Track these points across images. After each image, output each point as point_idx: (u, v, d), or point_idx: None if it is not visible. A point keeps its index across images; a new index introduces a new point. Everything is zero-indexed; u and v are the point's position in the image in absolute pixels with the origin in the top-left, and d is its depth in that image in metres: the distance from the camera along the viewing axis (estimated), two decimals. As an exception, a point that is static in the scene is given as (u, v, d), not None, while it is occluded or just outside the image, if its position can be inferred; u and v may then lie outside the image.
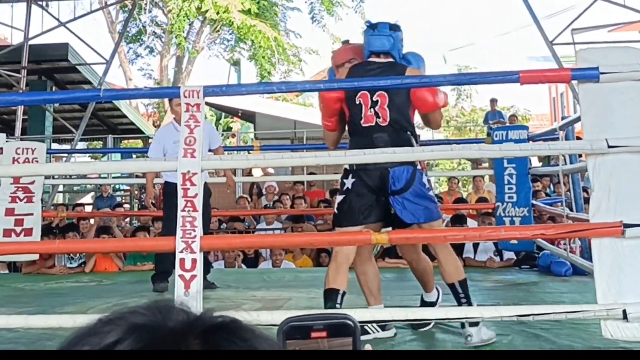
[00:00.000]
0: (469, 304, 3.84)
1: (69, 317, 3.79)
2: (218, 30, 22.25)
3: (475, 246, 7.07)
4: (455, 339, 3.84)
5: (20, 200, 7.03)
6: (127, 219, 10.07)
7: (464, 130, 20.22)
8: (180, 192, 3.61)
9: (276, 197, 9.10)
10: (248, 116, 16.91)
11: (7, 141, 7.84)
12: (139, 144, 21.37)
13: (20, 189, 7.04)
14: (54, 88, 15.41)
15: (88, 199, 14.64)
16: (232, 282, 5.83)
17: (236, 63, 23.63)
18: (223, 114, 21.11)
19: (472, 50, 23.48)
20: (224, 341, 0.64)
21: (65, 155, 12.39)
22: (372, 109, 3.85)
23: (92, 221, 8.45)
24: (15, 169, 5.41)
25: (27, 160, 7.16)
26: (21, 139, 11.67)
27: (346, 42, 4.34)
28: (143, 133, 19.05)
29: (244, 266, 7.67)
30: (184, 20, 20.39)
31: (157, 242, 4.10)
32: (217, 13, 20.01)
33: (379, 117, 3.81)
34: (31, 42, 12.91)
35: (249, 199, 9.37)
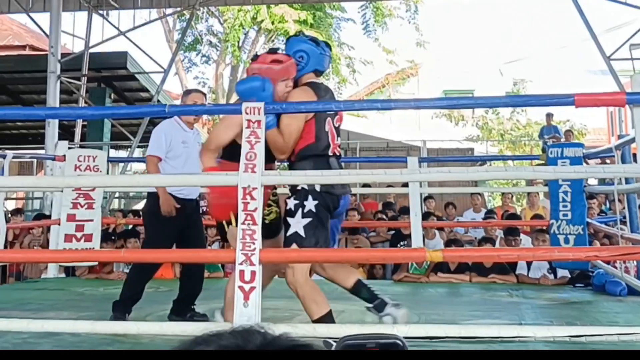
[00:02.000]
0: None
1: (134, 324, 3.95)
2: (273, 40, 22.49)
3: (529, 263, 7.04)
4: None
5: (82, 206, 7.25)
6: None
7: (518, 144, 20.02)
8: (240, 206, 3.72)
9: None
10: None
11: (69, 148, 8.11)
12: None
13: (81, 196, 7.25)
14: (112, 95, 15.82)
15: (142, 205, 14.93)
16: (287, 292, 5.89)
17: (290, 72, 23.84)
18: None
19: (529, 63, 23.19)
20: None
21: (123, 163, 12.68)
22: (338, 138, 3.96)
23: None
24: (85, 180, 5.59)
25: (88, 168, 7.38)
26: (80, 146, 12.01)
27: (275, 50, 4.08)
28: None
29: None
30: (239, 30, 20.68)
31: (218, 254, 4.23)
32: (272, 23, 20.24)
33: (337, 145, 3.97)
34: (91, 50, 13.29)
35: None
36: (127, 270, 7.49)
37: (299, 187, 3.84)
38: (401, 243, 7.93)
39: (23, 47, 21.45)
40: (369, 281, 7.54)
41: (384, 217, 9.17)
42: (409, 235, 7.30)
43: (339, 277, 4.07)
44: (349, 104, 3.99)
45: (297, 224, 3.84)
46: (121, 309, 4.84)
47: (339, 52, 21.74)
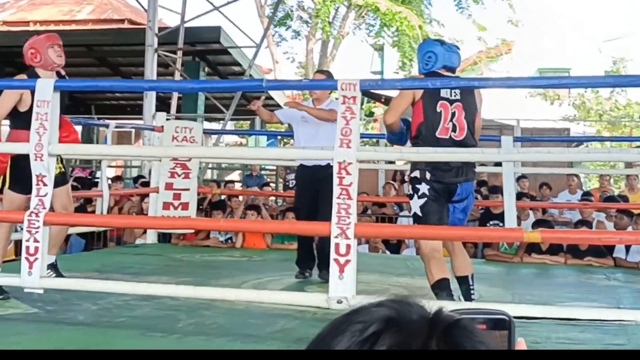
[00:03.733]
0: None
1: (232, 291, 4.07)
2: (363, 16, 22.38)
3: (628, 246, 6.84)
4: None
5: (179, 175, 7.46)
6: (273, 198, 10.47)
7: (617, 125, 19.32)
8: (335, 180, 3.76)
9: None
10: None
11: (167, 119, 8.34)
12: (285, 126, 21.90)
13: (178, 165, 7.46)
14: (206, 69, 16.13)
15: (235, 176, 15.21)
16: (377, 266, 5.97)
17: (380, 49, 23.71)
18: (365, 98, 21.30)
19: (630, 41, 22.20)
20: (466, 340, 0.66)
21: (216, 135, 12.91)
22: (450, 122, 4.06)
23: (240, 198, 8.87)
24: (185, 151, 5.75)
25: (185, 139, 7.57)
26: (176, 118, 12.32)
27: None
28: (290, 116, 19.50)
29: (387, 252, 7.81)
30: (330, 5, 20.66)
31: (314, 226, 4.29)
32: (363, -1, 20.17)
33: (455, 131, 4.05)
34: (187, 24, 13.56)
35: (395, 186, 9.49)
36: (222, 239, 7.71)
37: (412, 175, 4.12)
38: (490, 222, 7.83)
39: (122, 21, 22.05)
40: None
41: (478, 195, 9.04)
42: (499, 215, 7.20)
43: (456, 263, 4.36)
44: (445, 81, 3.93)
45: (414, 205, 4.10)
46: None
47: (430, 29, 21.44)
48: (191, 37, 14.10)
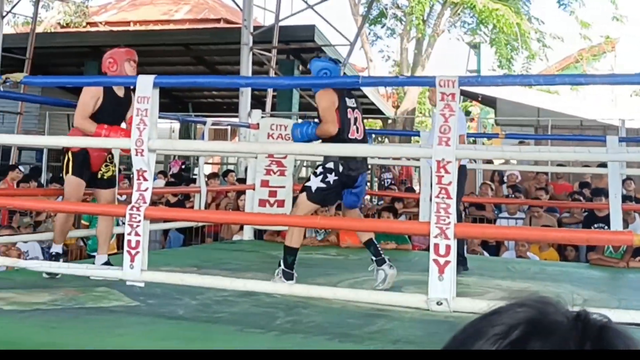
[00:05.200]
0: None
1: (329, 290, 4.03)
2: (459, 13, 22.03)
3: None
4: None
5: (274, 173, 7.50)
6: (368, 197, 10.42)
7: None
8: (434, 179, 3.67)
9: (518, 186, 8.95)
10: (488, 101, 16.60)
11: (262, 117, 8.41)
12: (378, 124, 21.82)
13: (274, 163, 7.51)
14: (300, 67, 16.23)
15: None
16: (476, 269, 5.83)
17: (476, 47, 23.29)
18: (462, 97, 20.96)
19: None
20: (619, 341, 0.64)
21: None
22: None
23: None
24: (282, 147, 5.77)
25: (280, 136, 7.60)
26: (271, 115, 12.44)
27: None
28: (383, 114, 19.38)
29: (485, 253, 7.64)
30: (425, 3, 20.43)
31: (412, 225, 4.21)
32: (459, -4, 19.85)
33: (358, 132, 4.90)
34: (281, 23, 13.67)
35: (492, 187, 9.27)
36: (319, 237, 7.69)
37: (326, 165, 4.81)
38: (595, 225, 7.55)
39: (218, 20, 22.50)
40: (562, 262, 7.35)
41: (581, 197, 8.73)
42: (603, 218, 6.92)
43: (362, 236, 5.06)
44: (549, 78, 3.78)
45: (314, 182, 4.80)
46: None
47: (529, 26, 20.89)
48: (285, 36, 14.23)
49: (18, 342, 3.29)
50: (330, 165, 4.77)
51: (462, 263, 6.01)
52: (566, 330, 0.64)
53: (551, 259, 7.39)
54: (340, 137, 4.76)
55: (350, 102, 4.93)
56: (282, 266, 4.82)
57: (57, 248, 5.17)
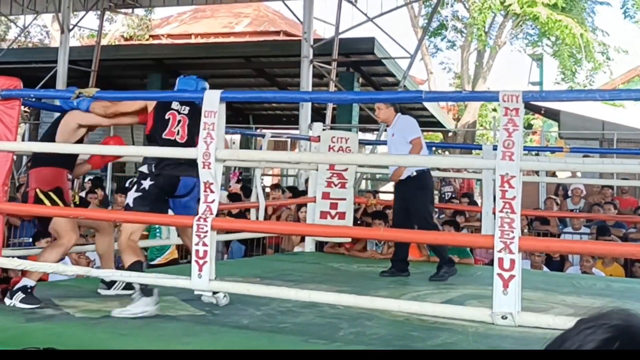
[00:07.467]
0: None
1: (394, 302, 4.04)
2: (521, 25, 21.81)
3: None
4: None
5: (335, 185, 7.55)
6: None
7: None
8: (498, 194, 3.66)
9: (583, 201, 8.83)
10: (551, 114, 16.33)
11: (323, 129, 8.48)
12: (439, 137, 21.69)
13: (335, 175, 7.55)
14: (360, 80, 16.28)
15: (389, 187, 15.23)
16: (539, 283, 5.76)
17: (539, 58, 22.99)
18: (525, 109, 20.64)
19: None
20: None
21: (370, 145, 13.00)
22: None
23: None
24: (344, 157, 5.82)
25: (341, 149, 7.65)
26: (331, 128, 12.52)
27: None
28: (443, 127, 19.26)
29: (545, 268, 7.53)
30: (486, 14, 20.28)
31: (476, 238, 4.20)
32: (521, 7, 19.61)
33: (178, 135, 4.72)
34: (341, 36, 13.75)
35: (557, 201, 9.14)
36: (379, 250, 7.70)
37: (140, 170, 4.71)
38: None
39: (277, 32, 22.76)
40: (628, 279, 7.20)
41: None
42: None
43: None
44: (615, 93, 3.75)
45: (130, 196, 4.64)
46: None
47: (593, 37, 20.53)
48: (345, 48, 14.29)
49: (90, 349, 3.40)
50: (144, 169, 4.63)
51: (401, 268, 6.22)
52: None
53: (616, 274, 7.25)
54: (152, 136, 4.69)
55: (181, 107, 4.75)
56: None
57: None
